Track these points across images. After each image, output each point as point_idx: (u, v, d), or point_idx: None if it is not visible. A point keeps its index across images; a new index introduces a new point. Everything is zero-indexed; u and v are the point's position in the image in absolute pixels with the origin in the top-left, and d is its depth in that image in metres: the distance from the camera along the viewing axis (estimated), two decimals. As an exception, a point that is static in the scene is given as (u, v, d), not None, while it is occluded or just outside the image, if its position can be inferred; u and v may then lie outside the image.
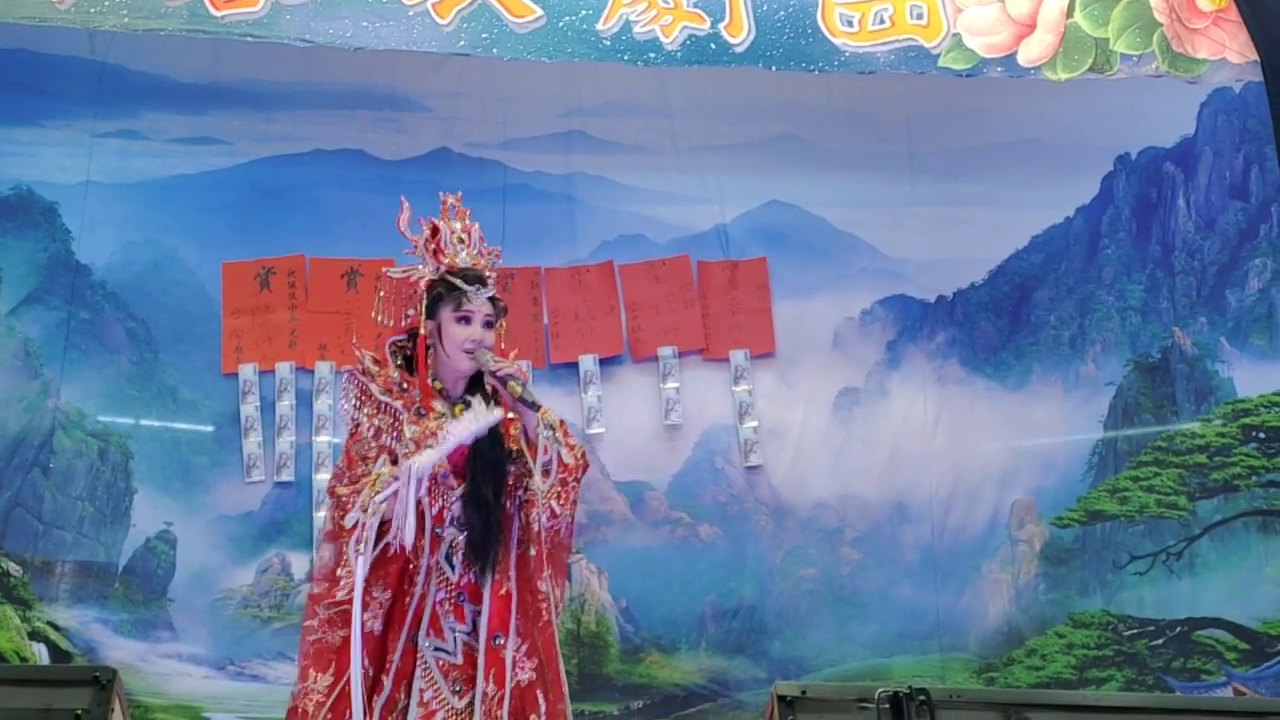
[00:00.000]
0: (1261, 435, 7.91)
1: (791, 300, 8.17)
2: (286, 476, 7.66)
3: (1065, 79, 7.41)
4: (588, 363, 7.90)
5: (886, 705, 3.36)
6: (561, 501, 4.64)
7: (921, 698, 3.35)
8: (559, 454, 4.61)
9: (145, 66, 8.16)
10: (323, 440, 7.68)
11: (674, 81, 8.26)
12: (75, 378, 7.70)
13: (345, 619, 4.52)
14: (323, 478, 7.60)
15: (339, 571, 4.57)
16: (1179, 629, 7.70)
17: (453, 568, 4.63)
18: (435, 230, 4.80)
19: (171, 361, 7.84)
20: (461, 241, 4.79)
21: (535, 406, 4.59)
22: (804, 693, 3.40)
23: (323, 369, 7.78)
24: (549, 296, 8.00)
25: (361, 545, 4.46)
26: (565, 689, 4.65)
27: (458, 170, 8.11)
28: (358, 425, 4.71)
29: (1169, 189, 8.41)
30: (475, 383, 4.75)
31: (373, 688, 4.53)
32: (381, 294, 4.85)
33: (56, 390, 7.67)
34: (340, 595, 4.53)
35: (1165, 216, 8.38)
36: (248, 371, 7.76)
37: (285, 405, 7.73)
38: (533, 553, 4.63)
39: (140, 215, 8.00)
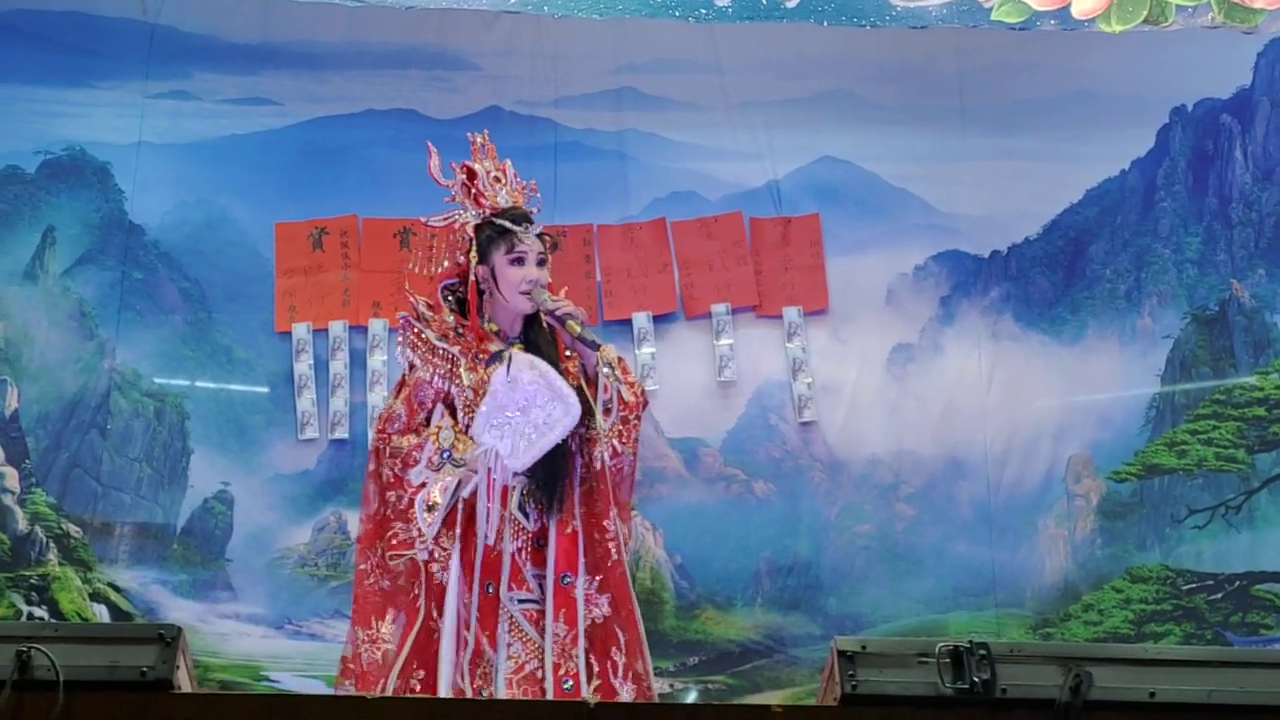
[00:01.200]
0: (1320, 387, 7.87)
1: (844, 256, 8.14)
2: (341, 434, 7.68)
3: (1120, 31, 7.34)
4: (641, 320, 7.88)
5: (947, 660, 3.33)
6: (623, 439, 4.63)
7: (982, 652, 3.33)
8: (619, 391, 4.59)
9: (196, 27, 8.20)
10: (377, 397, 7.67)
11: (725, 37, 8.23)
12: (130, 338, 7.74)
13: (413, 569, 4.56)
14: (378, 436, 7.63)
15: (397, 525, 4.58)
16: (1238, 583, 7.65)
17: (528, 516, 4.60)
18: (471, 173, 4.79)
19: (225, 321, 7.87)
20: (498, 180, 4.77)
21: (594, 345, 4.58)
22: (864, 648, 3.38)
23: (376, 326, 7.79)
24: (602, 254, 7.99)
25: (433, 510, 4.49)
26: (640, 627, 4.64)
27: (509, 128, 8.08)
28: (415, 372, 4.71)
29: (1226, 140, 8.33)
30: (532, 322, 4.73)
31: (456, 644, 4.50)
32: (432, 241, 4.85)
33: (112, 351, 7.71)
34: (399, 541, 4.55)
35: (1222, 168, 8.30)
36: (301, 330, 7.78)
37: (339, 363, 7.74)
38: (598, 490, 4.61)
39: (193, 175, 8.04)
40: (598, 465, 4.60)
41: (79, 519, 7.48)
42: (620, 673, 4.54)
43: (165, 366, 7.75)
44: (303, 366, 7.72)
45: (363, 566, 4.69)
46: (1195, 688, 3.33)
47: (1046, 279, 8.19)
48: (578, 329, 4.57)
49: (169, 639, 3.33)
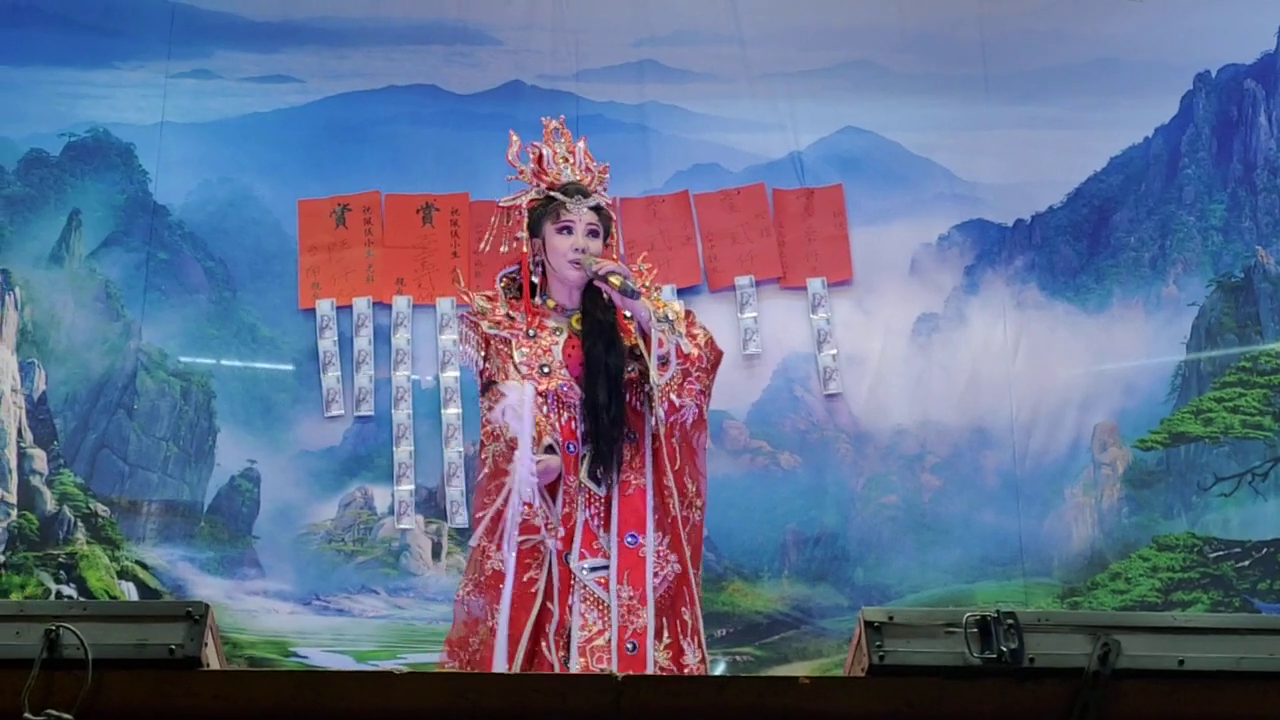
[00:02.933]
0: (1348, 353, 7.84)
1: (868, 227, 8.12)
2: (366, 411, 7.70)
3: (1143, -4, 7.31)
4: (665, 293, 7.86)
5: (974, 629, 3.32)
6: (682, 393, 4.60)
7: (1009, 621, 3.31)
8: (677, 344, 4.55)
9: (217, 5, 8.25)
10: (401, 374, 7.70)
11: (746, 8, 8.24)
12: (156, 318, 7.77)
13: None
14: (402, 412, 7.65)
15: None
16: (1265, 550, 7.63)
17: (598, 483, 4.60)
18: (540, 155, 4.83)
19: (250, 300, 7.90)
20: (565, 160, 4.84)
21: (635, 294, 4.55)
22: (891, 618, 3.37)
23: (400, 303, 7.79)
24: (624, 227, 7.92)
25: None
26: (694, 588, 4.61)
27: (530, 102, 8.11)
28: (479, 366, 4.76)
29: (1250, 106, 8.30)
30: (590, 293, 4.73)
31: (543, 616, 4.53)
32: (494, 222, 4.88)
33: (138, 331, 7.74)
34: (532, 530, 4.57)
35: (1247, 134, 8.27)
36: (325, 307, 7.79)
37: (363, 340, 7.75)
38: (660, 448, 4.60)
39: (216, 154, 8.07)
40: (653, 422, 4.59)
41: (106, 498, 7.52)
42: (689, 632, 4.54)
43: (191, 346, 7.78)
44: (327, 343, 7.73)
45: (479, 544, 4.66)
46: (1224, 655, 3.33)
47: (1071, 247, 8.17)
48: (619, 282, 4.55)
49: (197, 616, 3.33)
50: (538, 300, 4.77)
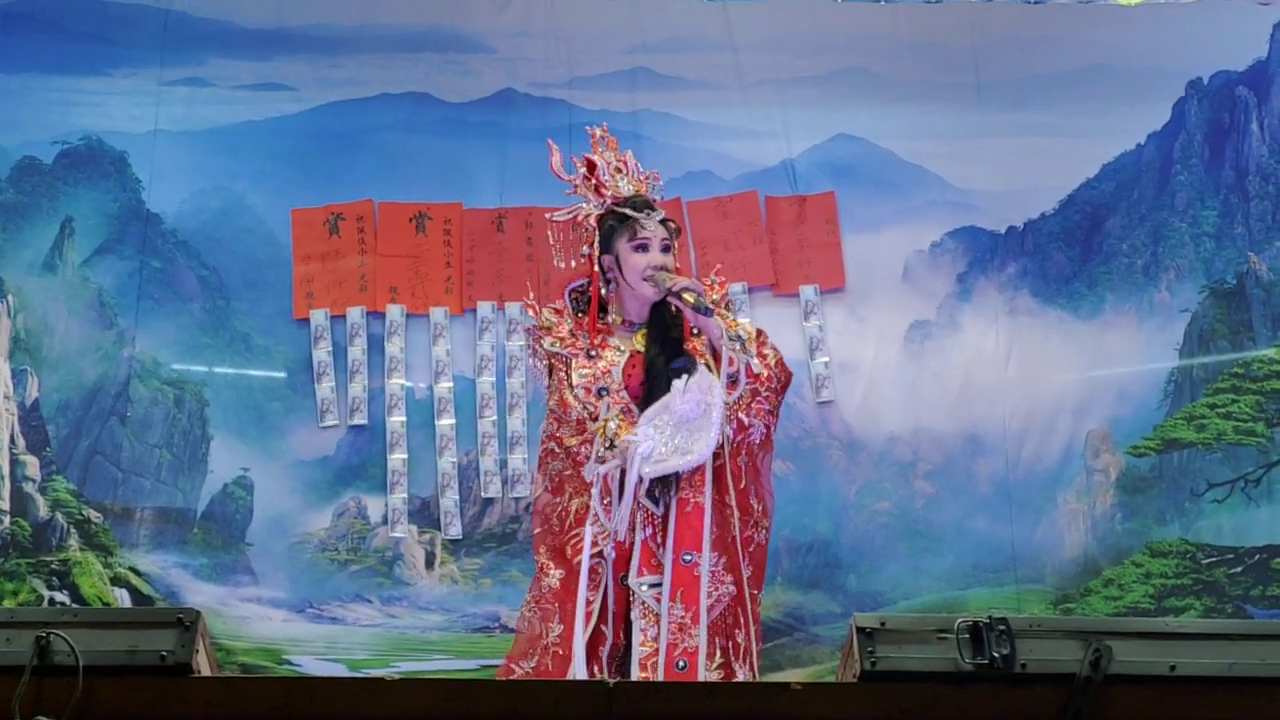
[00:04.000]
0: (1339, 359, 7.85)
1: (860, 234, 8.12)
2: (360, 420, 7.69)
3: (1135, 3, 7.33)
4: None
5: (966, 635, 3.33)
6: (751, 413, 4.58)
7: (1001, 627, 3.32)
8: (748, 364, 4.54)
9: (210, 13, 8.23)
10: (395, 383, 7.70)
11: (739, 16, 8.25)
12: (149, 327, 7.76)
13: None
14: (396, 421, 7.65)
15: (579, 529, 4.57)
16: (1258, 556, 7.64)
17: (656, 502, 4.55)
18: (591, 165, 4.81)
19: (243, 309, 7.88)
20: (619, 170, 4.80)
21: (709, 311, 4.53)
22: (883, 624, 3.38)
23: (394, 312, 7.79)
24: (617, 235, 7.97)
25: (609, 495, 4.50)
26: (748, 606, 4.56)
27: (523, 110, 8.14)
28: (545, 380, 4.78)
29: (1242, 113, 8.32)
30: (659, 307, 4.73)
31: (596, 639, 4.51)
32: (552, 239, 4.87)
33: (131, 339, 7.73)
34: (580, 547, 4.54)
35: (1239, 141, 8.28)
36: (319, 317, 7.78)
37: (358, 350, 7.75)
38: (724, 465, 4.56)
39: (209, 163, 8.05)
40: (724, 441, 4.53)
41: (99, 505, 7.51)
42: (741, 654, 4.51)
43: (184, 354, 7.76)
44: (321, 353, 7.73)
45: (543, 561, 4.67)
46: (1216, 660, 3.33)
47: (1064, 254, 8.17)
48: (693, 299, 4.53)
49: (188, 623, 3.34)
50: (604, 319, 4.77)
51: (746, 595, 4.56)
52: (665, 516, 4.55)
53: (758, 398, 4.59)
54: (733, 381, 4.54)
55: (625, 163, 4.83)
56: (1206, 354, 7.93)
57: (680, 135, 8.21)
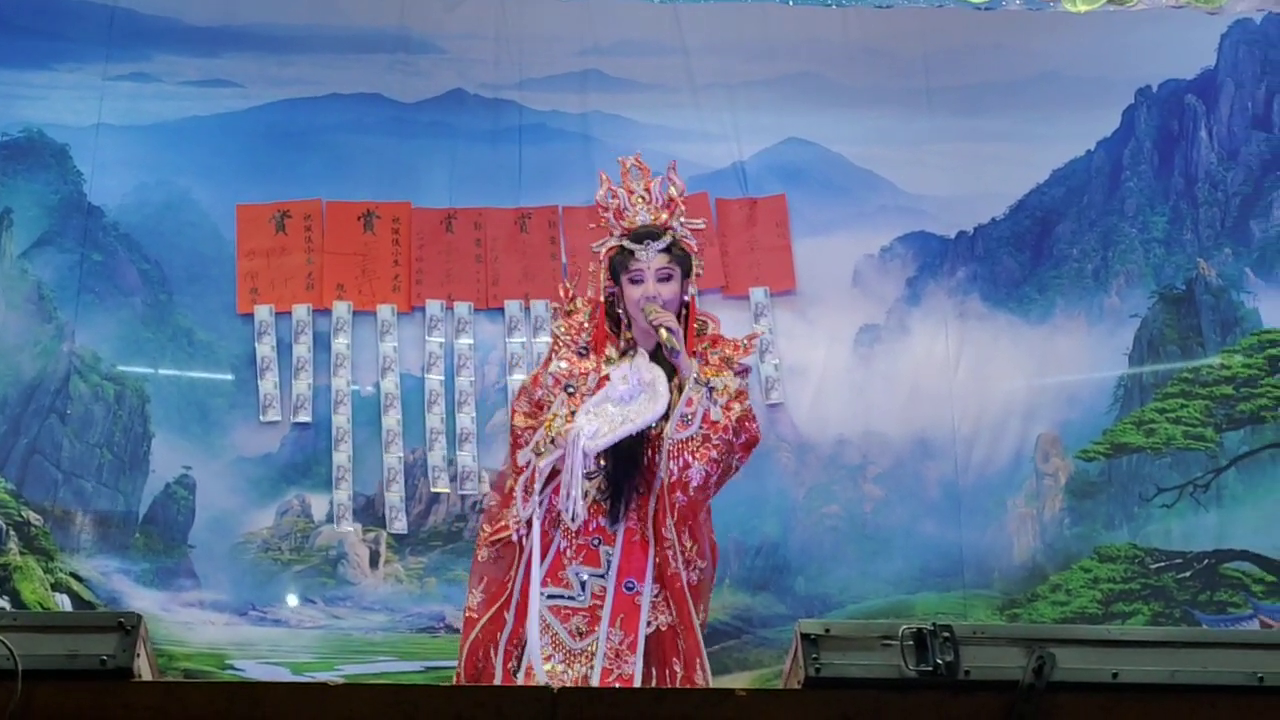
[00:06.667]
0: (1288, 366, 7.89)
1: (811, 237, 8.13)
2: (304, 418, 7.65)
3: (1085, 11, 7.36)
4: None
5: (910, 642, 3.31)
6: (697, 455, 4.56)
7: (945, 634, 3.31)
8: (707, 409, 4.56)
9: (157, 10, 8.21)
10: (341, 381, 7.67)
11: (690, 18, 8.26)
12: (89, 321, 7.69)
13: (503, 549, 4.64)
14: (341, 418, 7.62)
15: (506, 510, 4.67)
16: (1206, 561, 7.66)
17: (576, 517, 4.58)
18: (618, 196, 4.87)
19: (186, 303, 7.83)
20: (643, 200, 4.82)
21: (675, 352, 4.58)
22: (827, 630, 3.36)
23: (340, 309, 7.76)
24: (567, 235, 7.96)
25: (529, 493, 4.53)
26: (698, 638, 4.59)
27: (474, 111, 8.14)
28: (546, 358, 4.81)
29: (1191, 121, 8.37)
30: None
31: (495, 623, 4.60)
32: (592, 268, 4.90)
33: (71, 334, 7.66)
34: (502, 528, 4.64)
35: (1187, 148, 8.34)
36: (263, 312, 7.74)
37: (303, 347, 7.71)
38: (661, 499, 4.59)
39: (153, 157, 8.00)
40: (662, 474, 4.58)
41: (39, 506, 7.42)
42: (678, 683, 4.54)
43: (125, 349, 7.70)
44: (265, 349, 7.69)
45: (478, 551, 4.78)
46: (1158, 668, 3.32)
47: (1013, 259, 8.19)
48: (664, 337, 4.58)
49: (129, 627, 3.29)
50: (625, 333, 4.79)
51: (690, 624, 4.59)
52: (597, 533, 4.63)
53: (708, 443, 4.60)
54: (685, 421, 4.56)
55: (650, 190, 4.86)
56: (1156, 359, 7.96)
57: (631, 137, 8.17)
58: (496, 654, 4.56)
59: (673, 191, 4.86)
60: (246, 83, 8.19)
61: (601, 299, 4.78)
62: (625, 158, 4.95)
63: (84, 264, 7.76)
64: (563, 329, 4.80)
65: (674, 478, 4.56)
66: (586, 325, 4.78)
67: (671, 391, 4.64)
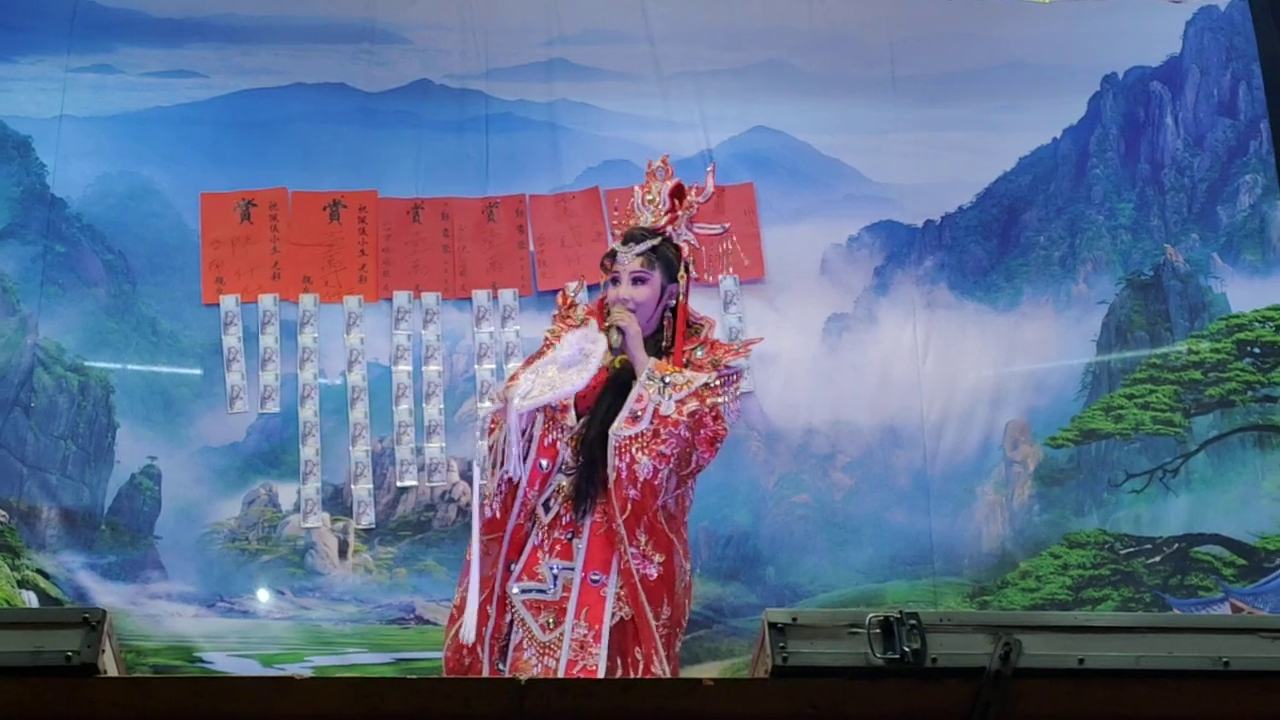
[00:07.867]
0: (1256, 350, 7.89)
1: (779, 226, 8.12)
2: (272, 409, 7.61)
3: (1050, -1, 7.36)
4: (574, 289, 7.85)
5: (878, 630, 3.33)
6: (647, 451, 4.61)
7: (912, 622, 3.33)
8: (658, 405, 4.61)
9: (120, 1, 8.17)
10: (308, 372, 7.65)
11: (656, 7, 8.25)
12: (53, 313, 7.63)
13: (490, 544, 4.71)
14: (309, 410, 7.59)
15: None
16: (1176, 546, 7.68)
17: (548, 510, 4.70)
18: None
19: (150, 293, 7.78)
20: (649, 203, 4.95)
21: (616, 351, 4.69)
22: (795, 619, 3.38)
23: (306, 301, 7.73)
24: (535, 224, 7.95)
25: (485, 463, 4.70)
26: (653, 633, 4.62)
27: (439, 101, 8.12)
28: (532, 356, 4.92)
29: (1157, 108, 8.38)
30: (653, 340, 4.87)
31: (479, 618, 4.62)
32: None
33: (35, 326, 7.60)
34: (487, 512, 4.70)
35: (1154, 135, 8.35)
36: (229, 303, 7.70)
37: (269, 337, 7.68)
38: (614, 494, 4.64)
39: (116, 148, 7.95)
40: (611, 469, 4.62)
41: (4, 502, 7.36)
42: (641, 671, 4.56)
43: (89, 340, 7.64)
44: (231, 340, 7.65)
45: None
46: (1124, 653, 3.35)
47: (981, 247, 8.20)
48: (613, 336, 4.71)
49: (94, 623, 3.29)
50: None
51: (644, 618, 4.63)
52: (569, 527, 4.71)
53: (657, 438, 4.64)
54: (634, 418, 4.60)
55: (660, 193, 4.98)
56: (1124, 345, 7.98)
57: (598, 125, 8.20)
58: (483, 648, 4.61)
59: (691, 197, 4.98)
60: (210, 73, 8.15)
61: (601, 296, 4.92)
62: (652, 160, 5.10)
63: (47, 255, 7.72)
64: (553, 332, 4.91)
65: (622, 474, 4.59)
66: (587, 319, 4.88)
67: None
